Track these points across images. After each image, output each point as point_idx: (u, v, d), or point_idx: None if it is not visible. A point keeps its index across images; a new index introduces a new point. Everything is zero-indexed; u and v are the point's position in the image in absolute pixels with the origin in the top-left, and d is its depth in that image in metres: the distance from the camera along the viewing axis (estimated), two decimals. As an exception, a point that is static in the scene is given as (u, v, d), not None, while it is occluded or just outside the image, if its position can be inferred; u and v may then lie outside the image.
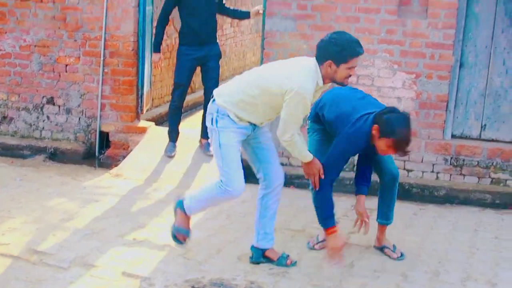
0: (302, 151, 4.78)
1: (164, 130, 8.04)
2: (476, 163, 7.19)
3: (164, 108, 9.29)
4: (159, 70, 8.28)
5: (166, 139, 7.70)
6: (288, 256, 5.07)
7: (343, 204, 6.55)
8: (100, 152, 8.01)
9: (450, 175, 7.26)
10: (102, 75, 7.89)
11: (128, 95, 7.93)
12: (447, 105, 7.18)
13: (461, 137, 7.35)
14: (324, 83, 4.67)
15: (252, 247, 5.07)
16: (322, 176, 4.85)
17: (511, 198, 7.00)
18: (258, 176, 5.04)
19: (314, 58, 4.68)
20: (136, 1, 7.75)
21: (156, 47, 7.44)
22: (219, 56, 7.55)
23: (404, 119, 4.67)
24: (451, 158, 7.22)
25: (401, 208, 6.59)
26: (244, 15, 7.86)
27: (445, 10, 6.97)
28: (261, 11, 7.46)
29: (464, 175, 7.24)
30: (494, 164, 7.15)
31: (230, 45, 12.52)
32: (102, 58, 7.84)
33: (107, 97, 7.95)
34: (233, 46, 12.76)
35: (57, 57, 8.01)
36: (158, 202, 6.45)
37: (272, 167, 4.99)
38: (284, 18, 7.30)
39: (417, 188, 7.17)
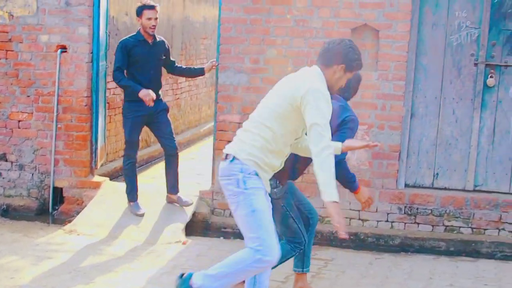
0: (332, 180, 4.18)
1: (119, 185, 7.99)
2: (430, 211, 7.28)
3: (118, 163, 9.23)
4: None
5: (120, 193, 7.63)
6: None
7: (321, 256, 6.53)
8: (53, 208, 7.89)
9: (405, 223, 7.33)
10: (56, 131, 7.83)
11: (82, 150, 7.88)
12: (399, 155, 7.29)
13: (414, 186, 7.45)
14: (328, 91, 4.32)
15: None
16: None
17: (465, 245, 7.09)
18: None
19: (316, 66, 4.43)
20: (89, 57, 7.76)
21: (137, 87, 7.19)
22: (167, 110, 7.55)
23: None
24: (405, 207, 7.30)
25: (356, 258, 6.63)
26: (199, 72, 7.84)
27: (395, 62, 7.13)
28: (215, 64, 7.51)
29: (418, 224, 7.32)
30: (447, 212, 7.24)
31: (185, 98, 12.56)
32: (55, 114, 7.80)
33: (60, 152, 7.89)
34: (188, 99, 12.80)
35: (9, 113, 7.94)
36: (112, 258, 6.36)
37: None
38: (237, 72, 7.38)
39: (372, 238, 7.22)
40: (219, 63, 7.44)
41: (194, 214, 7.45)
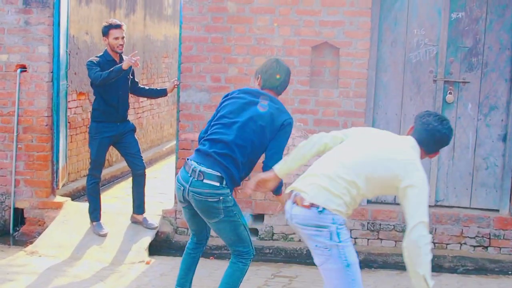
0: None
1: (81, 205, 7.92)
2: (393, 227, 7.34)
3: (81, 183, 9.16)
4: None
5: (83, 213, 7.57)
6: None
7: (262, 273, 6.54)
8: (14, 229, 7.79)
9: (368, 240, 7.38)
10: (16, 151, 7.75)
11: (43, 171, 7.80)
12: (361, 171, 7.34)
13: (376, 202, 7.51)
14: None
15: None
16: None
17: (427, 260, 7.14)
18: None
19: (414, 139, 4.31)
20: (49, 76, 7.70)
21: (117, 67, 6.98)
22: (134, 130, 7.53)
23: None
24: (368, 223, 7.35)
25: (320, 275, 6.63)
26: (161, 93, 7.82)
27: (355, 79, 7.21)
28: (177, 83, 7.51)
29: (381, 239, 7.37)
30: (409, 227, 7.29)
31: (147, 117, 12.53)
32: (15, 134, 7.71)
33: (21, 173, 7.80)
34: (150, 118, 12.77)
35: (-32, 133, 7.84)
36: (75, 279, 6.29)
37: None
38: (199, 90, 7.39)
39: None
40: (180, 81, 7.45)
41: (157, 234, 7.42)
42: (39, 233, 7.52)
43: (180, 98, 7.47)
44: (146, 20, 12.43)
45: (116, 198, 9.21)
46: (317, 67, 7.31)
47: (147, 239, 7.25)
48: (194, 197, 4.78)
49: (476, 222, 7.28)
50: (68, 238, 7.26)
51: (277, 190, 4.94)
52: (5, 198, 7.82)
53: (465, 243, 7.31)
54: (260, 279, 6.34)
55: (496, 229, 7.26)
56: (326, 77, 7.35)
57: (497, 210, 7.39)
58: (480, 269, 7.11)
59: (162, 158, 12.78)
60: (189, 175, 4.80)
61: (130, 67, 7.28)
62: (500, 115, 7.31)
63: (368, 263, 7.14)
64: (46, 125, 7.74)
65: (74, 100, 9.31)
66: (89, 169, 7.49)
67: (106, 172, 9.65)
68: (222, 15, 7.29)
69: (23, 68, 7.68)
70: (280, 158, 4.73)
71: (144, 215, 7.53)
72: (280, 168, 4.50)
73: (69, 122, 8.73)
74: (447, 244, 7.32)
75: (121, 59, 7.28)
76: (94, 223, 7.39)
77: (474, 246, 7.30)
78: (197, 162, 4.82)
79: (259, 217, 7.50)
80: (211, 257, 7.13)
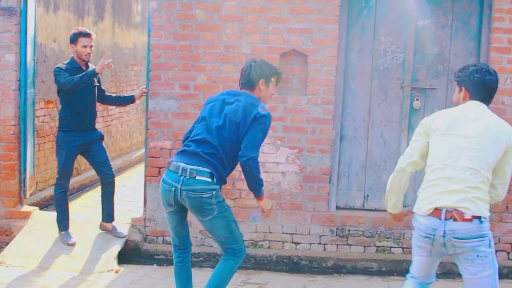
0: None
1: (49, 214, 7.85)
2: (361, 232, 7.38)
3: (49, 192, 9.09)
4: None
5: (51, 222, 7.50)
6: None
7: (232, 280, 6.53)
8: (-19, 240, 7.72)
9: (337, 245, 7.42)
10: (-18, 160, 7.67)
11: (10, 180, 7.72)
12: (330, 178, 7.39)
13: (345, 208, 7.56)
14: None
15: None
16: None
17: (396, 265, 7.20)
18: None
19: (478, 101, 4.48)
20: (16, 84, 7.63)
21: (89, 71, 7.02)
22: (102, 138, 7.49)
23: (262, 60, 5.28)
24: (337, 229, 7.39)
25: (290, 281, 6.67)
26: (129, 100, 7.76)
27: (324, 86, 7.25)
28: (145, 91, 7.49)
29: (350, 245, 7.41)
30: (378, 232, 7.37)
31: (116, 125, 12.48)
32: (-18, 143, 7.64)
33: (-12, 182, 7.72)
34: (119, 126, 12.72)
35: None
36: (44, 289, 6.25)
37: None
38: (168, 98, 7.38)
39: (306, 260, 7.27)
40: (149, 89, 7.43)
41: (126, 242, 7.38)
42: (6, 243, 7.44)
43: (149, 106, 7.45)
44: (115, 28, 12.39)
45: (85, 207, 9.15)
46: (286, 74, 7.34)
47: (116, 247, 7.21)
48: (188, 195, 4.90)
49: (444, 227, 7.34)
50: (36, 248, 7.19)
51: (258, 193, 5.05)
52: (-28, 208, 7.74)
53: (433, 248, 7.37)
54: (230, 286, 6.32)
55: (463, 234, 7.32)
56: (294, 84, 7.39)
57: (464, 215, 7.46)
58: (448, 272, 7.14)
59: (131, 166, 12.73)
60: (179, 174, 4.91)
61: (97, 74, 7.27)
62: (466, 121, 7.39)
63: (337, 268, 7.18)
64: (13, 134, 7.66)
65: (42, 108, 9.25)
66: (56, 179, 7.42)
67: (74, 181, 9.59)
68: (191, 23, 7.30)
69: (-10, 77, 7.61)
70: (253, 149, 4.92)
71: (113, 223, 7.50)
72: (390, 207, 4.80)
73: (36, 131, 8.66)
74: (415, 249, 7.37)
75: (87, 68, 7.24)
76: (63, 232, 7.34)
77: (442, 251, 7.36)
78: (184, 162, 4.95)
79: (228, 225, 7.49)
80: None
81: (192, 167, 4.90)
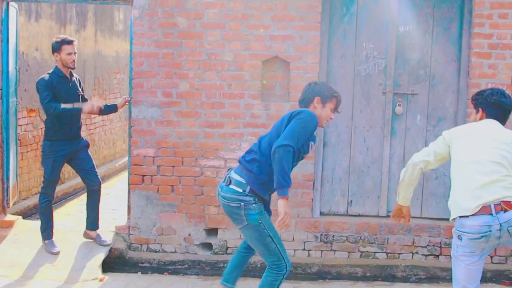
0: None
1: (32, 223, 7.82)
2: (345, 238, 7.40)
3: (32, 201, 9.06)
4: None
5: (34, 231, 7.47)
6: None
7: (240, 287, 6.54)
8: (-36, 250, 7.66)
9: (321, 251, 7.44)
10: (-35, 170, 7.64)
11: (-7, 189, 7.70)
12: (313, 184, 7.41)
13: (329, 214, 7.58)
14: None
15: None
16: None
17: (380, 270, 7.24)
18: None
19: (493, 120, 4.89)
20: (-2, 93, 7.63)
21: (75, 108, 7.07)
22: (88, 146, 7.47)
23: (323, 82, 5.55)
24: (321, 234, 7.41)
25: (275, 288, 6.66)
26: (111, 109, 7.63)
27: (306, 92, 7.25)
28: (128, 99, 7.48)
29: (334, 251, 7.43)
30: (362, 238, 7.39)
31: (99, 133, 12.45)
32: (-36, 153, 7.61)
33: (-30, 192, 7.69)
34: (103, 134, 12.69)
35: None
36: (27, 299, 6.22)
37: None
38: (150, 106, 7.38)
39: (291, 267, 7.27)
40: (132, 97, 7.42)
41: (110, 250, 7.36)
42: (-10, 253, 7.41)
43: (132, 113, 7.44)
44: (97, 36, 12.38)
45: (69, 216, 9.12)
46: (268, 81, 7.37)
47: (100, 256, 7.19)
48: (221, 201, 5.17)
49: (427, 232, 7.39)
50: (19, 257, 7.15)
51: (282, 191, 4.88)
52: (-46, 218, 7.69)
53: (417, 252, 7.42)
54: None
55: (446, 238, 7.37)
56: (277, 91, 7.41)
57: (447, 219, 7.47)
58: (432, 277, 7.21)
59: (115, 174, 12.70)
60: (223, 180, 5.21)
61: (80, 82, 7.27)
62: (449, 125, 7.44)
63: (322, 274, 7.20)
64: (-4, 143, 7.64)
65: (25, 117, 9.21)
66: (42, 188, 7.38)
67: (58, 190, 9.52)
68: (173, 31, 7.31)
69: (-29, 86, 7.58)
70: (287, 138, 4.86)
71: (97, 231, 7.48)
72: (398, 200, 5.22)
73: (19, 140, 8.63)
74: (399, 253, 7.41)
75: (71, 75, 7.23)
76: (47, 241, 7.31)
77: (426, 255, 7.41)
78: (233, 170, 5.21)
79: (213, 232, 7.50)
80: (165, 273, 7.10)
81: (232, 175, 5.12)
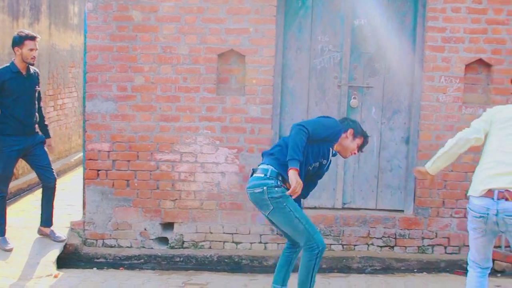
0: None
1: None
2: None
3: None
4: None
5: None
6: None
7: (173, 281, 6.52)
8: None
9: (278, 244, 7.45)
10: None
11: None
12: (270, 177, 7.41)
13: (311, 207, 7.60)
14: None
15: None
16: None
17: (336, 262, 7.29)
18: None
19: None
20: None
21: None
22: (44, 142, 7.38)
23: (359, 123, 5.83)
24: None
25: (231, 281, 6.68)
26: (44, 133, 7.45)
27: (262, 86, 7.27)
28: (52, 145, 7.53)
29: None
30: (318, 230, 7.40)
31: (54, 128, 12.27)
32: None
33: None
34: (58, 129, 12.53)
35: None
36: (-19, 296, 6.13)
37: None
38: (105, 100, 7.31)
39: (247, 260, 7.30)
40: (86, 91, 7.34)
41: (65, 246, 7.29)
42: None
43: (86, 108, 7.36)
44: (51, 29, 12.21)
45: (23, 211, 8.99)
46: (224, 75, 7.36)
47: (54, 252, 7.12)
48: (248, 192, 5.40)
49: (382, 223, 7.47)
50: (-28, 254, 7.05)
51: (291, 162, 5.15)
52: None
53: (372, 244, 7.49)
54: (170, 287, 6.31)
55: (401, 229, 7.46)
56: (232, 84, 7.40)
57: (402, 211, 7.61)
58: (387, 268, 7.29)
59: (71, 170, 12.56)
60: (250, 175, 5.50)
61: (38, 77, 7.17)
62: (403, 118, 7.53)
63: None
64: None
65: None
66: None
67: (12, 186, 9.38)
68: (127, 24, 7.24)
69: None
70: (303, 122, 5.32)
71: (52, 227, 7.40)
72: (430, 167, 5.23)
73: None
74: (355, 245, 7.48)
75: (28, 70, 7.13)
76: (0, 238, 7.21)
77: (381, 246, 7.49)
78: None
79: (169, 226, 7.47)
80: (121, 268, 7.06)
81: (256, 168, 5.45)
